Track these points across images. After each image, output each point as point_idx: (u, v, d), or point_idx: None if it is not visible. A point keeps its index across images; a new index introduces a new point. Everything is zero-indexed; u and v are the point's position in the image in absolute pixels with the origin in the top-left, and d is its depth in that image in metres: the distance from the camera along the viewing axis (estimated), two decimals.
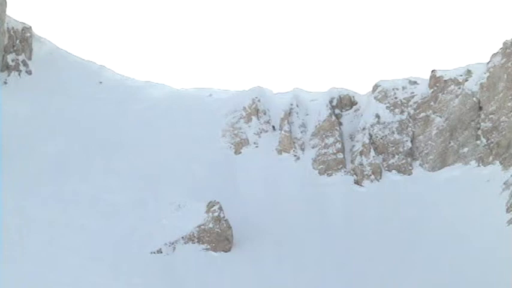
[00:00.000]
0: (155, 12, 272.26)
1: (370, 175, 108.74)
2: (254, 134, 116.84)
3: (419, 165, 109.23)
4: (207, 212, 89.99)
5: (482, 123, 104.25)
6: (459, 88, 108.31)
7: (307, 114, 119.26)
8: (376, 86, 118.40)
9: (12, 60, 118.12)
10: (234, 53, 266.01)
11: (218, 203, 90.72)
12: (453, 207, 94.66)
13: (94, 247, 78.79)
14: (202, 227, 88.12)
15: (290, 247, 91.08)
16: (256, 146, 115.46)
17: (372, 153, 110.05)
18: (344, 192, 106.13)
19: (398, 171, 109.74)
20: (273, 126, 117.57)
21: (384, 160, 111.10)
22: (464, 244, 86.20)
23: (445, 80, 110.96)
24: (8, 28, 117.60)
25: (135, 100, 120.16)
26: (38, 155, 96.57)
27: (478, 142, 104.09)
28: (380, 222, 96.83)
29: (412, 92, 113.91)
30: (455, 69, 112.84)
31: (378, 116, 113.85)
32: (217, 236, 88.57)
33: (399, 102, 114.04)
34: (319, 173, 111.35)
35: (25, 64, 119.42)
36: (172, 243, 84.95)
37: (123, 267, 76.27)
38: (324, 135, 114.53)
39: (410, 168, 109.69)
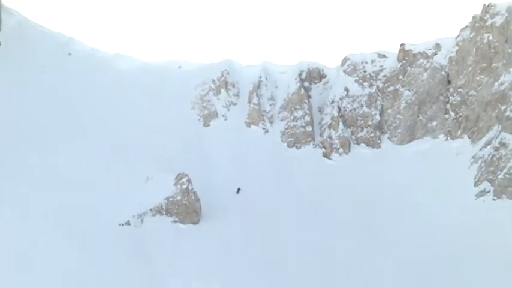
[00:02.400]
0: None
1: (339, 148, 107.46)
2: (223, 106, 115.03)
3: (388, 138, 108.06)
4: (176, 184, 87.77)
5: (451, 97, 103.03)
6: (428, 62, 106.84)
7: (276, 87, 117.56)
8: (345, 60, 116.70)
9: None
10: (203, 25, 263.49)
11: (187, 175, 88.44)
12: (421, 181, 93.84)
13: (62, 219, 76.40)
14: (171, 199, 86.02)
15: (258, 219, 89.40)
16: (225, 119, 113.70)
17: (341, 126, 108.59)
18: (312, 165, 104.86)
19: (367, 145, 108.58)
20: None
21: (352, 133, 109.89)
22: (432, 217, 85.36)
23: (414, 54, 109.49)
24: None
25: (105, 72, 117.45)
26: (5, 126, 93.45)
27: (447, 116, 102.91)
28: (348, 195, 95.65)
29: (381, 66, 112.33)
30: (425, 43, 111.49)
31: (346, 90, 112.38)
32: (185, 208, 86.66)
33: (368, 76, 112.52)
34: (288, 145, 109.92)
35: None
36: (141, 215, 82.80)
37: (91, 239, 74.11)
38: (292, 108, 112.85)
39: (378, 141, 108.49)
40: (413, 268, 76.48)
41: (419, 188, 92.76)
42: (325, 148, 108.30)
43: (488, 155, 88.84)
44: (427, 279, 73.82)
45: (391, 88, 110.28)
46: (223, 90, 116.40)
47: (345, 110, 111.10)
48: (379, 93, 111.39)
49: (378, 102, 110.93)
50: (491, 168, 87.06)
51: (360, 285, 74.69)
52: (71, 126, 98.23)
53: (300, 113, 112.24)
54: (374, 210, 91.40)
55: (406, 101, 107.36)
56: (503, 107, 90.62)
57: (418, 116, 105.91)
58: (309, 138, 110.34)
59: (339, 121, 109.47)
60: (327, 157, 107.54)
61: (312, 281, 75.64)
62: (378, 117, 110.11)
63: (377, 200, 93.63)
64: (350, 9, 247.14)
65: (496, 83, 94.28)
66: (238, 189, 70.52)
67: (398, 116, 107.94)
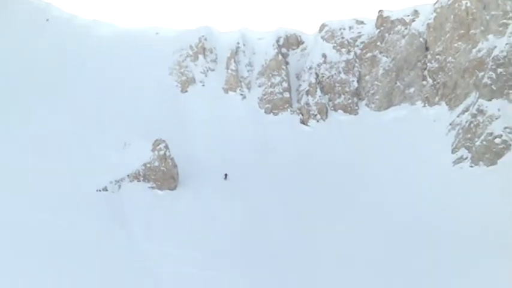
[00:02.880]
0: None
1: (316, 115, 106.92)
2: (201, 72, 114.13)
3: (366, 105, 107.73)
4: (153, 150, 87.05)
5: (428, 64, 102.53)
6: (406, 28, 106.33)
7: (254, 53, 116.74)
8: (323, 26, 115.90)
9: None
10: None
11: (164, 141, 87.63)
12: (399, 148, 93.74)
13: (40, 185, 75.51)
14: (148, 165, 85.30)
15: (236, 185, 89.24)
16: (203, 85, 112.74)
17: (318, 92, 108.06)
18: (290, 131, 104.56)
19: (345, 111, 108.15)
20: None
21: (330, 100, 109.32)
22: (409, 184, 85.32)
23: (392, 20, 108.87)
24: None
25: (83, 38, 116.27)
26: None
27: (425, 82, 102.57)
28: (325, 162, 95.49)
29: (359, 32, 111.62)
30: (403, 10, 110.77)
31: (324, 56, 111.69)
32: (163, 174, 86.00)
33: (346, 42, 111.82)
34: (265, 112, 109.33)
35: None
36: (118, 181, 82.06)
37: (69, 205, 73.26)
38: (270, 75, 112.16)
39: (356, 108, 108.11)
40: (389, 234, 76.33)
41: (397, 155, 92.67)
42: (302, 114, 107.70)
43: (466, 121, 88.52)
44: (403, 244, 73.54)
45: (369, 55, 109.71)
46: (201, 56, 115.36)
47: (323, 77, 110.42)
48: (356, 60, 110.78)
49: (356, 68, 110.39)
50: (469, 135, 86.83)
51: (336, 248, 74.20)
52: (48, 93, 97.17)
53: (277, 79, 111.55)
54: (351, 176, 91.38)
55: (383, 67, 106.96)
56: (480, 74, 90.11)
57: (396, 83, 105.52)
58: (287, 105, 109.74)
59: (316, 87, 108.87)
60: (304, 123, 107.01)
61: (291, 246, 75.35)
62: (355, 83, 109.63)
63: (354, 166, 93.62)
64: None
65: (474, 50, 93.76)
66: (226, 175, 70.15)
67: (376, 82, 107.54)
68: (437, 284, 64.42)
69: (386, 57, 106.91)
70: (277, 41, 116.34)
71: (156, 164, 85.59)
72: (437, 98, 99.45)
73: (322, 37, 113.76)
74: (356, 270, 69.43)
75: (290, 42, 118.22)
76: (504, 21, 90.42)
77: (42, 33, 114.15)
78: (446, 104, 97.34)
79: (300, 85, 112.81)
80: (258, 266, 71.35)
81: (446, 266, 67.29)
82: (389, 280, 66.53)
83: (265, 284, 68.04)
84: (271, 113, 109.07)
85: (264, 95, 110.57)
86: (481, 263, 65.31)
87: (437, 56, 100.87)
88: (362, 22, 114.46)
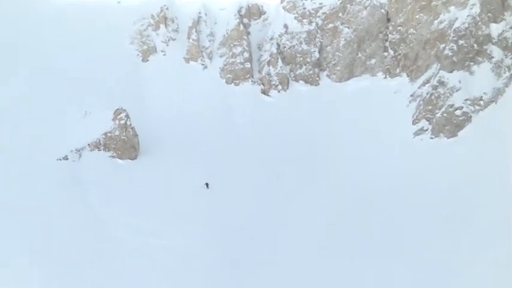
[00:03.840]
0: None
1: (278, 85, 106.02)
2: (162, 42, 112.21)
3: (327, 76, 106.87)
4: (114, 119, 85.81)
5: (390, 35, 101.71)
6: (368, 0, 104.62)
7: (215, 23, 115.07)
8: None
9: None
10: None
11: (125, 110, 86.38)
12: (360, 119, 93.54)
13: None
14: (109, 134, 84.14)
15: (197, 155, 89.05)
16: (164, 54, 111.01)
17: (280, 63, 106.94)
18: (251, 101, 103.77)
19: (306, 82, 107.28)
20: None
21: (291, 70, 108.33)
22: (371, 155, 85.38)
23: None
24: None
25: (43, 7, 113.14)
26: None
27: (386, 54, 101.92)
28: (286, 132, 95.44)
29: (321, 3, 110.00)
30: None
31: (286, 26, 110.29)
32: (123, 143, 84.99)
33: (308, 13, 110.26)
34: (227, 82, 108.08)
35: None
36: (79, 150, 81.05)
37: (29, 173, 72.39)
38: (232, 45, 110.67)
39: (317, 78, 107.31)
40: (350, 202, 77.47)
41: (358, 126, 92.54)
42: (263, 85, 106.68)
43: (427, 93, 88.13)
44: (363, 211, 74.98)
45: (330, 25, 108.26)
46: (162, 26, 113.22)
47: (284, 47, 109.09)
48: (318, 31, 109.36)
49: (317, 39, 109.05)
50: (430, 107, 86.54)
51: (294, 222, 75.24)
52: (7, 62, 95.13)
53: (238, 49, 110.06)
54: (311, 147, 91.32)
55: (345, 38, 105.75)
56: (442, 46, 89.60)
57: (357, 54, 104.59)
58: (248, 75, 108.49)
59: (277, 58, 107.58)
60: (265, 94, 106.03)
61: (254, 213, 76.55)
62: (316, 54, 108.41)
63: (315, 137, 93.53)
64: None
65: (436, 22, 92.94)
66: (207, 184, 69.20)
67: (337, 53, 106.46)
68: (398, 249, 65.98)
69: (348, 28, 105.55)
70: (239, 11, 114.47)
71: (117, 133, 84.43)
72: (398, 70, 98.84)
73: (283, 7, 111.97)
74: (318, 232, 71.92)
75: (252, 13, 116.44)
76: None
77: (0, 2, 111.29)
78: (408, 76, 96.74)
79: (261, 55, 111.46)
80: (219, 234, 71.27)
81: (407, 232, 68.23)
82: (349, 242, 69.52)
83: (226, 251, 68.21)
84: (233, 83, 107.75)
85: (226, 65, 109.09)
86: (442, 230, 65.91)
87: (398, 28, 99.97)
88: None
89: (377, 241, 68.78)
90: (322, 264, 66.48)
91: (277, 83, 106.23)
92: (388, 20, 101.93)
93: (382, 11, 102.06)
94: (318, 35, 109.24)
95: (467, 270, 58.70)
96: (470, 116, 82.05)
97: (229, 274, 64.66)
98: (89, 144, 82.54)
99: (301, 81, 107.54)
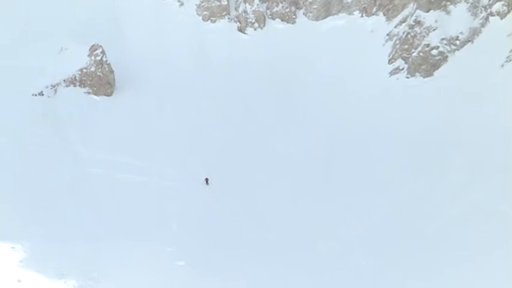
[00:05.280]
0: None
1: (254, 23, 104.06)
2: None
3: (303, 14, 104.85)
4: (90, 55, 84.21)
5: None
6: None
7: None
8: None
9: None
10: None
11: (101, 46, 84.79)
12: (336, 57, 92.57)
13: None
14: (85, 70, 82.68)
15: (172, 93, 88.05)
16: None
17: (256, 1, 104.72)
18: (227, 39, 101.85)
19: (282, 20, 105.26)
20: None
21: (267, 8, 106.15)
22: (347, 93, 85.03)
23: None
24: None
25: None
26: None
27: None
28: (262, 70, 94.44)
29: None
30: None
31: None
32: (99, 79, 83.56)
33: None
34: (203, 19, 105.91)
35: None
36: (54, 86, 79.77)
37: (4, 109, 71.81)
38: None
39: (294, 17, 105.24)
40: (326, 140, 77.57)
41: (334, 64, 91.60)
42: (240, 22, 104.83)
43: (403, 32, 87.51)
44: (338, 149, 75.78)
45: None
46: None
47: None
48: None
49: None
50: (406, 46, 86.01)
51: (272, 155, 75.90)
52: None
53: None
54: (288, 86, 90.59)
55: None
56: None
57: None
58: (224, 12, 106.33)
59: None
60: (241, 31, 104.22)
61: (229, 150, 76.69)
62: None
63: (290, 74, 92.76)
64: None
65: None
66: (207, 180, 67.30)
67: None
68: (370, 186, 67.25)
69: None
70: None
71: (93, 69, 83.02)
72: (375, 9, 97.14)
73: None
74: (295, 165, 73.75)
75: None
76: None
77: None
78: (384, 15, 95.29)
79: None
80: (196, 171, 70.81)
81: (380, 171, 68.91)
82: (324, 175, 71.14)
83: (204, 187, 68.73)
84: (209, 21, 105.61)
85: (202, 2, 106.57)
86: (416, 169, 66.21)
87: None
88: None
89: (349, 176, 69.88)
90: (299, 195, 67.65)
91: (253, 20, 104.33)
92: None
93: None
94: None
95: (442, 212, 59.03)
96: (447, 56, 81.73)
97: (207, 208, 64.67)
98: (64, 80, 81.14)
99: (277, 19, 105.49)
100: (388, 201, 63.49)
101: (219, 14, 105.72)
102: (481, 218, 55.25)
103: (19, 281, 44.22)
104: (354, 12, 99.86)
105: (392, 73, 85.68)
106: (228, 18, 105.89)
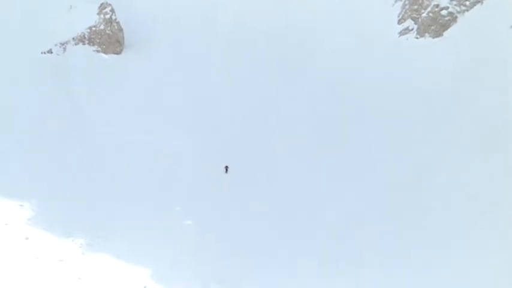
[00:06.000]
0: None
1: None
2: None
3: None
4: (99, 13, 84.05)
5: None
6: None
7: None
8: None
9: None
10: None
11: (110, 5, 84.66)
12: (345, 18, 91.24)
13: None
14: (94, 28, 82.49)
15: (181, 51, 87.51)
16: None
17: None
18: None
19: None
20: None
21: None
22: (357, 54, 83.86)
23: None
24: None
25: None
26: None
27: None
28: (269, 30, 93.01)
29: None
30: None
31: None
32: (108, 38, 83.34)
33: None
34: None
35: None
36: (63, 44, 79.59)
37: (14, 67, 71.92)
38: None
39: None
40: (330, 95, 77.46)
41: (342, 25, 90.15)
42: None
43: None
44: (345, 106, 74.90)
45: None
46: None
47: None
48: None
49: None
50: (415, 7, 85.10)
51: (280, 112, 75.58)
52: None
53: None
54: (294, 44, 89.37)
55: None
56: None
57: None
58: None
59: None
60: None
61: (237, 108, 76.50)
62: None
63: (298, 33, 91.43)
64: None
65: None
66: (227, 168, 64.62)
67: None
68: (376, 142, 66.63)
69: None
70: None
71: (102, 27, 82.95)
72: None
73: None
74: (302, 120, 73.13)
75: None
76: None
77: None
78: None
79: None
80: (208, 133, 70.24)
81: (388, 128, 68.49)
82: (330, 131, 70.48)
83: (214, 146, 68.21)
84: None
85: None
86: (425, 128, 65.85)
87: None
88: None
89: (355, 132, 69.28)
90: (307, 151, 67.30)
91: None
92: None
93: None
94: None
95: (447, 162, 58.92)
96: (456, 17, 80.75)
97: (217, 171, 64.13)
98: (73, 38, 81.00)
99: None
100: (391, 159, 62.99)
101: None
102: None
103: (27, 238, 44.38)
104: None
105: (401, 33, 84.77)
106: None
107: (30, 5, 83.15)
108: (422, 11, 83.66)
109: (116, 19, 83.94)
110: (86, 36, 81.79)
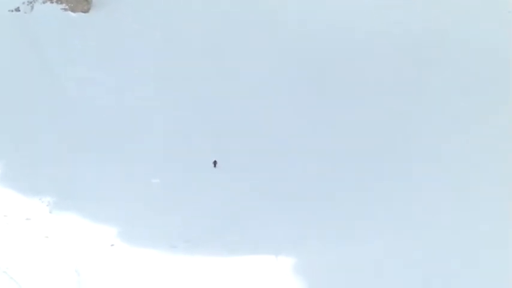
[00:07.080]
0: None
1: None
2: None
3: None
4: None
5: None
6: None
7: None
8: None
9: None
10: None
11: None
12: None
13: None
14: None
15: (154, 10, 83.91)
16: None
17: None
18: None
19: None
20: None
21: None
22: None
23: None
24: None
25: None
26: None
27: None
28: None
29: None
30: None
31: None
32: None
33: None
34: None
35: None
36: (31, 2, 78.34)
37: None
38: None
39: None
40: (318, 42, 75.10)
41: None
42: None
43: None
44: (330, 56, 72.68)
45: None
46: None
47: None
48: None
49: None
50: None
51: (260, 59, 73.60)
52: None
53: None
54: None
55: None
56: None
57: None
58: None
59: None
60: None
61: (208, 65, 73.27)
62: None
63: None
64: None
65: None
66: (215, 162, 61.33)
67: None
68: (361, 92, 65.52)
69: None
70: None
71: None
72: None
73: None
74: (288, 69, 71.13)
75: None
76: None
77: None
78: None
79: None
80: (182, 89, 68.87)
81: (372, 75, 67.99)
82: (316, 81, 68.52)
83: (188, 104, 66.57)
84: None
85: None
86: (410, 75, 66.32)
87: None
88: None
89: (341, 80, 67.98)
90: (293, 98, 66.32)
91: None
92: None
93: None
94: None
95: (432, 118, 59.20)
96: None
97: (192, 126, 63.02)
98: None
99: None
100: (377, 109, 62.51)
101: None
102: None
103: None
104: None
105: None
106: None
107: None
108: None
109: None
110: None
